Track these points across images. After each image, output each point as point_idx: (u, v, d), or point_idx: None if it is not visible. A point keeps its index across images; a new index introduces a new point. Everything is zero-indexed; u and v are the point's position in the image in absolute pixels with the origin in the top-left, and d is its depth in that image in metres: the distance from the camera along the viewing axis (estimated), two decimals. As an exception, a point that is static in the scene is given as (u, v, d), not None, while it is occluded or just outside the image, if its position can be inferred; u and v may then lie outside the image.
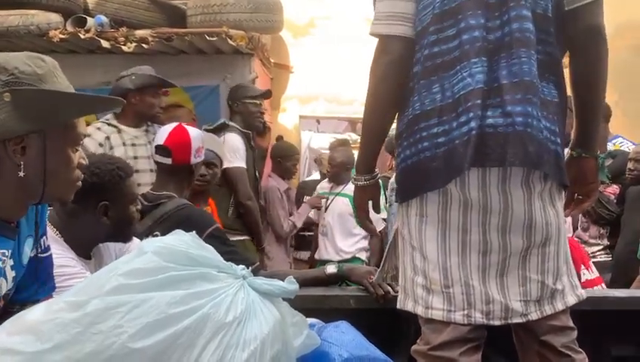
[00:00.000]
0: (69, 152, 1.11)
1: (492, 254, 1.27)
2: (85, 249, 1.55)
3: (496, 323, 1.29)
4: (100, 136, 2.55)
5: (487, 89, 1.24)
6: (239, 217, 2.89)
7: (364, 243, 3.49)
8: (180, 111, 3.22)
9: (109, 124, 2.58)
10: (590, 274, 2.19)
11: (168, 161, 2.03)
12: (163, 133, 2.08)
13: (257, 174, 3.13)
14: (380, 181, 1.49)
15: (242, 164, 2.86)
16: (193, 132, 2.10)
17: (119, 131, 2.58)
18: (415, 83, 1.32)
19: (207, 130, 2.95)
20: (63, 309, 0.65)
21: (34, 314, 0.68)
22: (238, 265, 1.81)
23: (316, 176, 4.64)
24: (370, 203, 1.47)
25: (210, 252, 0.79)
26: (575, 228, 3.23)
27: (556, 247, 1.32)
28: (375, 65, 1.35)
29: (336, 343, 0.86)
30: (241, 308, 0.73)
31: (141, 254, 0.73)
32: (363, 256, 3.49)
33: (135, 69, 2.64)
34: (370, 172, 1.44)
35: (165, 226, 1.88)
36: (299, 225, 3.54)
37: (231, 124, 2.95)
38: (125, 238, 1.60)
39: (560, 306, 1.32)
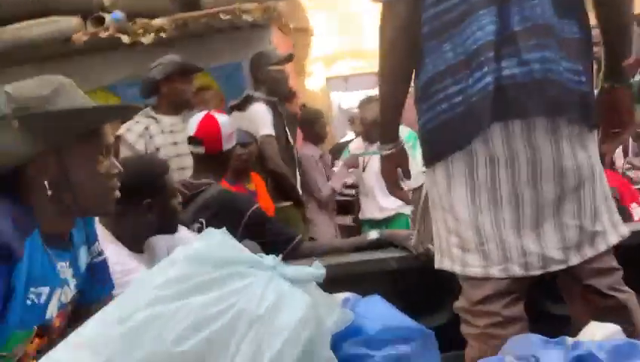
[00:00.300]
0: (92, 165, 1.16)
1: (524, 207, 1.26)
2: (137, 244, 1.67)
3: (536, 272, 1.29)
4: (139, 128, 2.66)
5: (499, 40, 1.21)
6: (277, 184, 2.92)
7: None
8: (209, 94, 3.28)
9: (147, 116, 2.69)
10: None
11: (201, 150, 2.11)
12: (193, 123, 2.15)
13: (292, 140, 3.15)
14: (405, 148, 1.48)
15: (270, 132, 2.85)
16: (222, 119, 2.15)
17: (156, 121, 2.68)
18: (425, 45, 1.29)
19: (233, 106, 2.99)
20: (109, 325, 0.73)
21: (87, 329, 0.76)
22: (279, 242, 1.92)
23: (351, 136, 4.62)
24: (399, 170, 1.48)
25: (239, 249, 0.84)
26: (626, 155, 3.11)
27: (592, 188, 1.30)
28: (382, 33, 1.33)
29: (369, 316, 0.90)
30: (272, 298, 0.78)
31: (174, 263, 0.79)
32: (407, 210, 3.48)
33: (161, 59, 2.72)
34: (393, 140, 1.44)
35: (208, 213, 1.98)
36: (338, 188, 3.58)
37: (255, 94, 2.94)
38: (172, 230, 1.71)
39: (602, 247, 1.31)
